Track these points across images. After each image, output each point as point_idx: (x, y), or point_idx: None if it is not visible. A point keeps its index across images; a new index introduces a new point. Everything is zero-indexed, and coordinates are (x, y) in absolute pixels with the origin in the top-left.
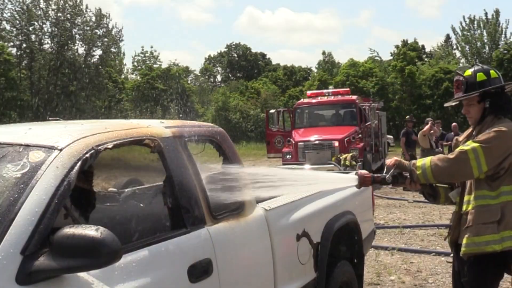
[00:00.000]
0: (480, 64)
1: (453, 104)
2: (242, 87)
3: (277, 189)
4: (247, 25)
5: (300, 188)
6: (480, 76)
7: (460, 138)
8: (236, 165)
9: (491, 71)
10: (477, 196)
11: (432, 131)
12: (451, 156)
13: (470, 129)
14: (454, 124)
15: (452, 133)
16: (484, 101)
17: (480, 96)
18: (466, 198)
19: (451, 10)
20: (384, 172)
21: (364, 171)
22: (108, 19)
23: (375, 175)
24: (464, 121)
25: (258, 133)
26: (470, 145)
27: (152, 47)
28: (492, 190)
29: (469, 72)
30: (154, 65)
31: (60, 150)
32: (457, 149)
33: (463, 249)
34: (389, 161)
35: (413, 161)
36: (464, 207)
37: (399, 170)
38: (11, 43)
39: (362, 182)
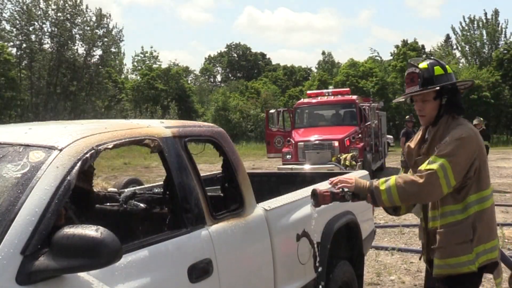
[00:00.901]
0: (433, 58)
1: (402, 99)
2: (242, 87)
3: None
4: (246, 25)
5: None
6: (438, 70)
7: (412, 144)
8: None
9: (447, 66)
10: (444, 213)
11: None
12: (419, 180)
13: (420, 133)
14: None
15: None
16: (440, 97)
17: (437, 92)
18: (431, 213)
19: (451, 10)
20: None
21: (322, 189)
22: (108, 19)
23: (335, 191)
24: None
25: (258, 133)
26: (436, 162)
27: (152, 47)
28: (458, 202)
29: (425, 65)
30: (154, 65)
31: (60, 150)
32: (425, 170)
33: (436, 270)
34: (349, 180)
35: (374, 183)
36: (430, 224)
37: (358, 192)
38: (11, 43)
39: (321, 200)
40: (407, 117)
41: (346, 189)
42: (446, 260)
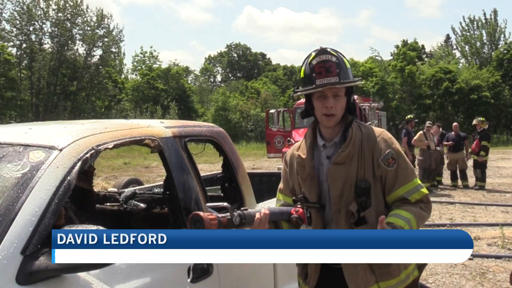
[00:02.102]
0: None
1: (312, 91)
2: (242, 87)
3: None
4: (246, 25)
5: None
6: (347, 64)
7: (303, 154)
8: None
9: None
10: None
11: (432, 131)
12: (426, 212)
13: (307, 140)
14: (455, 124)
15: (453, 132)
16: (348, 95)
17: (346, 88)
18: None
19: (451, 10)
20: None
21: (207, 213)
22: (109, 20)
23: (220, 215)
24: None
25: (258, 133)
26: (416, 183)
27: (151, 47)
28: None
29: (334, 53)
30: (154, 65)
31: (60, 150)
32: (424, 196)
33: None
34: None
35: (398, 224)
36: None
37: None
38: (11, 43)
39: (208, 226)
40: (411, 116)
41: (235, 212)
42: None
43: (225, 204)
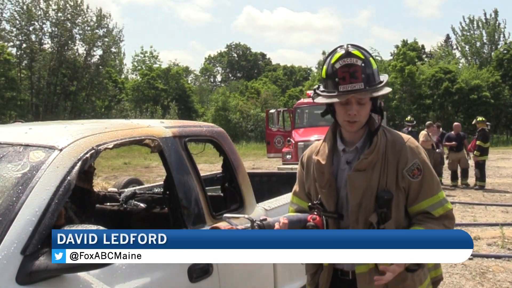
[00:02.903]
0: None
1: (335, 100)
2: (242, 87)
3: None
4: (245, 25)
5: None
6: (373, 64)
7: (323, 159)
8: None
9: None
10: None
11: (430, 132)
12: (451, 225)
13: (326, 144)
14: (456, 123)
15: (453, 132)
16: (375, 99)
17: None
18: None
19: (451, 10)
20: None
21: (225, 225)
22: (109, 19)
23: (240, 227)
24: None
25: (258, 133)
26: (440, 197)
27: (151, 46)
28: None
29: (361, 54)
30: (154, 65)
31: (60, 150)
32: (448, 211)
33: None
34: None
35: None
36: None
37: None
38: (11, 43)
39: None
40: (411, 118)
41: (255, 224)
42: None
43: (247, 216)
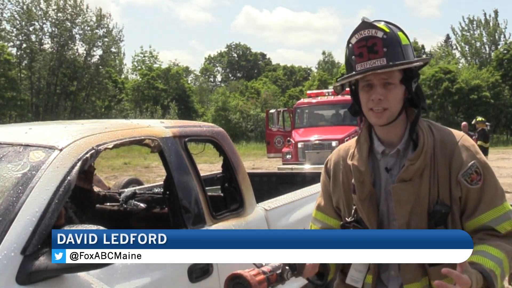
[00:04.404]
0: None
1: (348, 79)
2: (242, 87)
3: None
4: (245, 25)
5: None
6: (404, 39)
7: (358, 162)
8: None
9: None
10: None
11: None
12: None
13: (360, 141)
14: (464, 123)
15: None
16: (408, 82)
17: (404, 72)
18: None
19: (451, 10)
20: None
21: (249, 271)
22: (108, 19)
23: (267, 271)
24: (465, 121)
25: (258, 133)
26: (506, 208)
27: (151, 46)
28: None
29: (385, 27)
30: (154, 65)
31: (60, 150)
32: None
33: None
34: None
35: (488, 266)
36: None
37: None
38: (11, 43)
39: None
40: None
41: (286, 266)
42: None
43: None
